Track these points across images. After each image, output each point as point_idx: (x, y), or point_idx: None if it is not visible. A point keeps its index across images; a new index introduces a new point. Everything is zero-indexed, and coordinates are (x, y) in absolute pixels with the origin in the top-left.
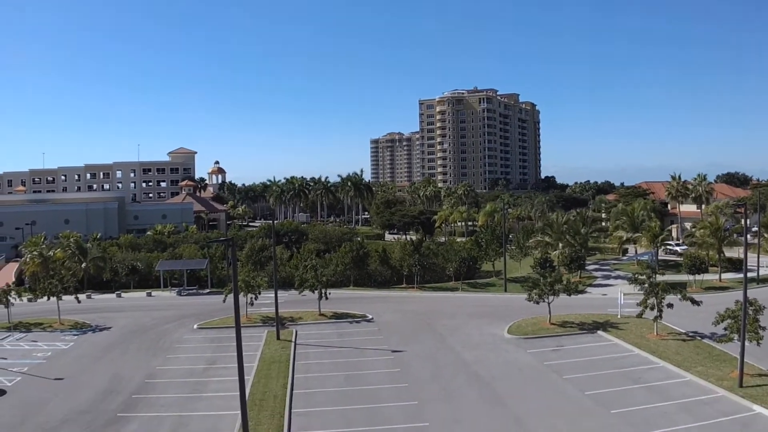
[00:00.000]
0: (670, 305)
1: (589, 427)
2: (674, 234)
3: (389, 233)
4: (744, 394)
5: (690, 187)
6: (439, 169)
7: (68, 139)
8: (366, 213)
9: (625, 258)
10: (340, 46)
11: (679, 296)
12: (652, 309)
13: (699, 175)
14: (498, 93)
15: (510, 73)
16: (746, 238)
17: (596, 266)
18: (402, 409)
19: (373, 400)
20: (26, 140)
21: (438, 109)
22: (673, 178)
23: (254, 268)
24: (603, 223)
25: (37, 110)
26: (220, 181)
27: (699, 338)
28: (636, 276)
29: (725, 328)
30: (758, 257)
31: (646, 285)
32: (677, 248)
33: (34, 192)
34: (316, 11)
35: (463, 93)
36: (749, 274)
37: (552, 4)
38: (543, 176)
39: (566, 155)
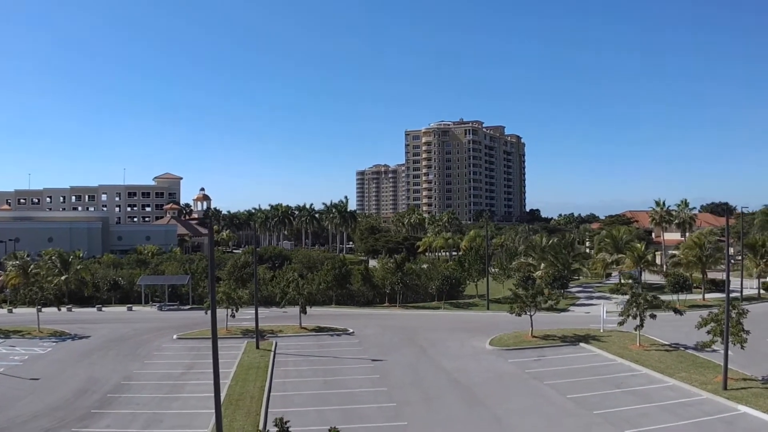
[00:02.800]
0: (653, 316)
1: (570, 425)
2: (658, 260)
3: (373, 259)
4: (729, 395)
5: (674, 213)
6: (424, 201)
7: (54, 161)
8: (350, 242)
9: (608, 281)
10: (327, 78)
11: (663, 306)
12: (634, 318)
13: (682, 201)
14: (484, 125)
15: (496, 106)
16: (728, 244)
17: (580, 288)
18: (381, 410)
19: (352, 401)
20: (12, 161)
21: (424, 140)
22: (657, 203)
23: (236, 285)
24: (587, 251)
25: (23, 131)
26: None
27: (682, 349)
28: (619, 285)
29: (708, 332)
30: (741, 277)
31: (629, 294)
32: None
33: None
34: (303, 44)
35: (449, 124)
36: (733, 294)
37: (538, 39)
38: (528, 209)
39: (551, 190)
